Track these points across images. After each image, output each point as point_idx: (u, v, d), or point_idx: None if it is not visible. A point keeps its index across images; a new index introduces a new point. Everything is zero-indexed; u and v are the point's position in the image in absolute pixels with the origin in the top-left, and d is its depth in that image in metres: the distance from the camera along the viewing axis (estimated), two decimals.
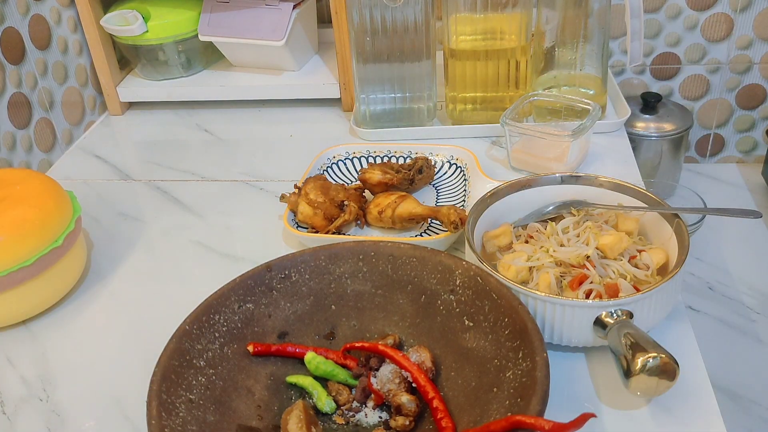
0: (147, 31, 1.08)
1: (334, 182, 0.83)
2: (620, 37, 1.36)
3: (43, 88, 1.01)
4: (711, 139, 1.50)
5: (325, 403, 0.58)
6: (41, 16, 1.01)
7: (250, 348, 0.60)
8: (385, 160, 0.91)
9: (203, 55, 1.16)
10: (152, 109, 1.16)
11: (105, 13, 1.09)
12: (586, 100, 0.89)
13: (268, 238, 0.83)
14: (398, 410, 0.56)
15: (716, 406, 0.58)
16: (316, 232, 0.79)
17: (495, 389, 0.54)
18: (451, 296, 0.62)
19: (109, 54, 1.12)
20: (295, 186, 0.82)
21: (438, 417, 0.54)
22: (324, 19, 1.22)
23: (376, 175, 0.83)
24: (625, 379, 0.54)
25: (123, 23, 1.07)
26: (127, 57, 1.16)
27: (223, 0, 1.08)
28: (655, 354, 0.52)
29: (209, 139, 1.07)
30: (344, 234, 0.80)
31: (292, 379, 0.60)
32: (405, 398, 0.56)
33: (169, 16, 1.10)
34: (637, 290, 0.61)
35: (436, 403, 0.55)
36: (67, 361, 0.69)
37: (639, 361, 0.53)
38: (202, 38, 1.09)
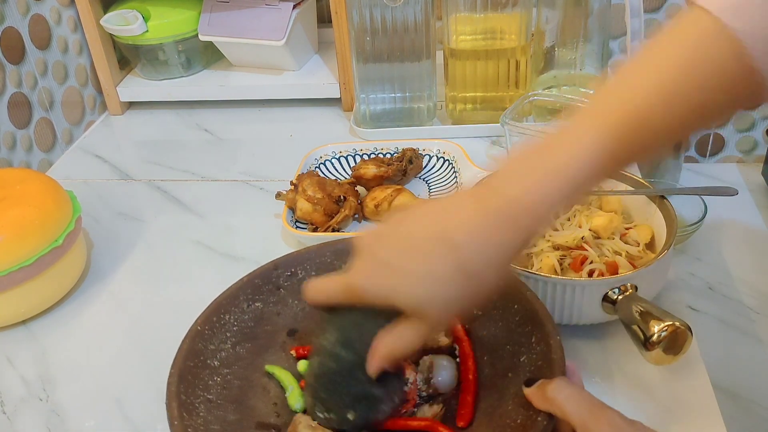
0: (147, 31, 1.08)
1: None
2: (620, 36, 1.36)
3: (43, 88, 1.01)
4: (711, 138, 1.50)
5: (296, 401, 0.58)
6: (41, 16, 1.01)
7: (293, 352, 0.61)
8: (372, 156, 0.91)
9: (203, 55, 1.16)
10: (152, 109, 1.16)
11: (105, 13, 1.09)
12: (586, 100, 0.89)
13: (268, 237, 0.83)
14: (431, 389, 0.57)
15: (716, 406, 0.58)
16: (316, 228, 0.80)
17: (510, 374, 0.54)
18: None
19: (109, 54, 1.12)
20: (291, 183, 0.83)
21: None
22: (324, 19, 1.22)
23: (371, 170, 0.84)
24: (643, 350, 0.54)
25: (123, 23, 1.07)
26: (127, 57, 1.16)
27: (223, 0, 1.08)
28: (671, 322, 0.54)
29: (209, 139, 1.07)
30: (341, 230, 0.81)
31: (270, 368, 0.60)
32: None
33: (169, 15, 1.10)
34: (633, 265, 0.64)
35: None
36: (67, 361, 0.69)
37: (655, 330, 0.53)
38: (202, 38, 1.09)
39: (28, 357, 0.70)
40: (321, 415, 0.52)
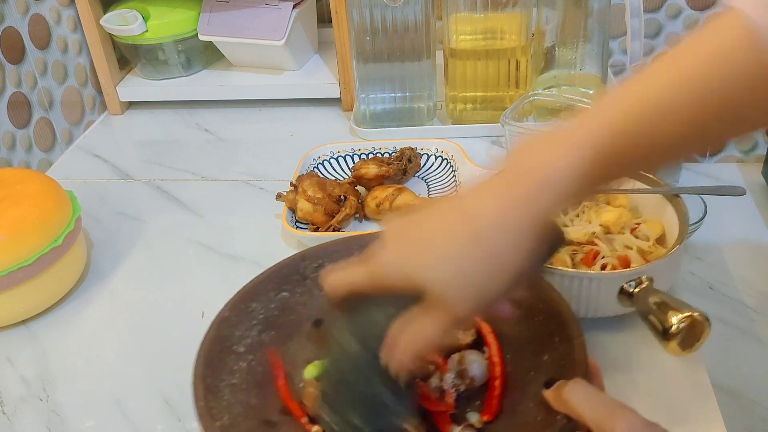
0: (147, 31, 1.08)
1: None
2: (620, 36, 1.36)
3: (43, 88, 1.01)
4: None
5: (309, 372, 0.59)
6: (41, 16, 1.01)
7: None
8: (370, 156, 0.91)
9: (203, 54, 1.16)
10: (152, 109, 1.16)
11: (105, 13, 1.09)
12: (586, 100, 0.89)
13: (268, 237, 0.83)
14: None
15: (716, 406, 0.58)
16: (317, 228, 0.80)
17: (532, 372, 0.54)
18: None
19: (109, 54, 1.12)
20: (291, 184, 0.83)
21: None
22: (324, 18, 1.22)
23: (372, 170, 0.84)
24: (663, 341, 0.54)
25: (123, 23, 1.07)
26: (127, 57, 1.16)
27: (223, 0, 1.08)
28: (689, 312, 0.54)
29: (209, 138, 1.07)
30: (342, 229, 0.81)
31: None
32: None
33: (168, 15, 1.10)
34: (645, 260, 0.65)
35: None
36: (67, 361, 0.69)
37: (674, 321, 0.53)
38: (202, 38, 1.09)
39: (28, 357, 0.70)
40: (326, 417, 0.50)
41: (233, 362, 0.57)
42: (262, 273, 0.63)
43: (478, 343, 0.60)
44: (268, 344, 0.60)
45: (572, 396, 0.45)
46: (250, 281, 0.62)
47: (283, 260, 0.64)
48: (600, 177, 0.45)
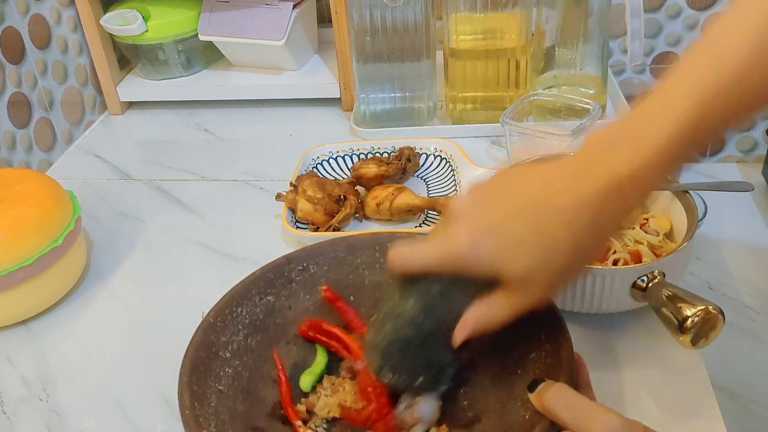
0: (147, 31, 1.08)
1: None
2: (620, 36, 1.36)
3: (43, 88, 1.01)
4: None
5: (308, 383, 0.59)
6: (41, 16, 1.01)
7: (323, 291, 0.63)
8: (369, 156, 0.91)
9: (203, 54, 1.16)
10: (152, 109, 1.16)
11: (105, 13, 1.09)
12: (586, 100, 0.89)
13: (268, 237, 0.83)
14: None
15: (716, 406, 0.58)
16: (317, 228, 0.80)
17: (519, 371, 0.54)
18: None
19: (109, 54, 1.12)
20: (291, 184, 0.83)
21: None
22: (324, 18, 1.22)
23: (372, 169, 0.84)
24: (678, 334, 0.55)
25: (123, 23, 1.07)
26: (127, 57, 1.16)
27: (223, 0, 1.08)
28: (703, 306, 0.54)
29: (209, 138, 1.07)
30: (342, 229, 0.81)
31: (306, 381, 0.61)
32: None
33: (169, 15, 1.10)
34: (655, 254, 0.65)
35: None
36: (67, 361, 0.69)
37: (689, 314, 0.54)
38: (202, 38, 1.09)
39: (28, 357, 0.70)
40: (390, 376, 0.53)
41: (219, 368, 0.57)
42: (247, 277, 0.62)
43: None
44: (254, 349, 0.60)
45: (554, 404, 0.46)
46: (235, 286, 0.62)
47: (268, 264, 0.64)
48: (682, 157, 0.45)
